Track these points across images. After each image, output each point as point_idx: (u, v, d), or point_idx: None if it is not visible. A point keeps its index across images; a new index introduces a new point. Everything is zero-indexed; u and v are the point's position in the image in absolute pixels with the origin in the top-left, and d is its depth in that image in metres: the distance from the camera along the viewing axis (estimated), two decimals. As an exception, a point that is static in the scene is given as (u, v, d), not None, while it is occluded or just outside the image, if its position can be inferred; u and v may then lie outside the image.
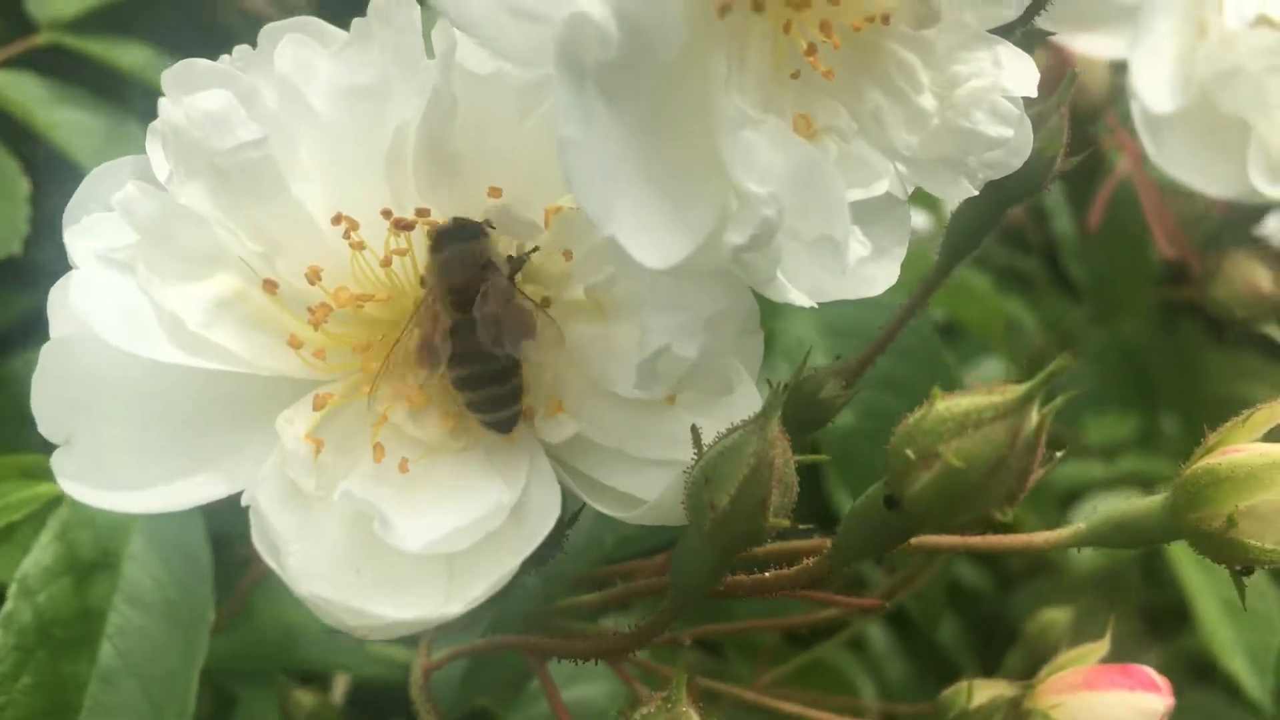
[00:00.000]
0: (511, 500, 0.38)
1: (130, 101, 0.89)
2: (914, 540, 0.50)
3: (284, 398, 0.40)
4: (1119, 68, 0.71)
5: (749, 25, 0.36)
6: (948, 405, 0.35)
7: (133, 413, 0.39)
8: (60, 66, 0.86)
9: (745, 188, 0.35)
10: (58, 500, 0.58)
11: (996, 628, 1.07)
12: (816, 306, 0.72)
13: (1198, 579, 1.02)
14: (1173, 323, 1.12)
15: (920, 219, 1.23)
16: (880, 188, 0.39)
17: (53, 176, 0.82)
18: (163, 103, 0.40)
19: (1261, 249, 0.73)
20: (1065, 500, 1.12)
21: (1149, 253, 0.93)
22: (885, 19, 0.39)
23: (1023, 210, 1.19)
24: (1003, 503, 0.35)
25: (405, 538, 0.36)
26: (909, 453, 0.35)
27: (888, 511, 0.37)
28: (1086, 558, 1.11)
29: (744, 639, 0.83)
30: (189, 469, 0.39)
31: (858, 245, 0.37)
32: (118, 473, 0.39)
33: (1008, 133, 0.39)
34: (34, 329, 0.94)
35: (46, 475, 0.59)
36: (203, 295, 0.39)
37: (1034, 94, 0.40)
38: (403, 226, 0.41)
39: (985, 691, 0.53)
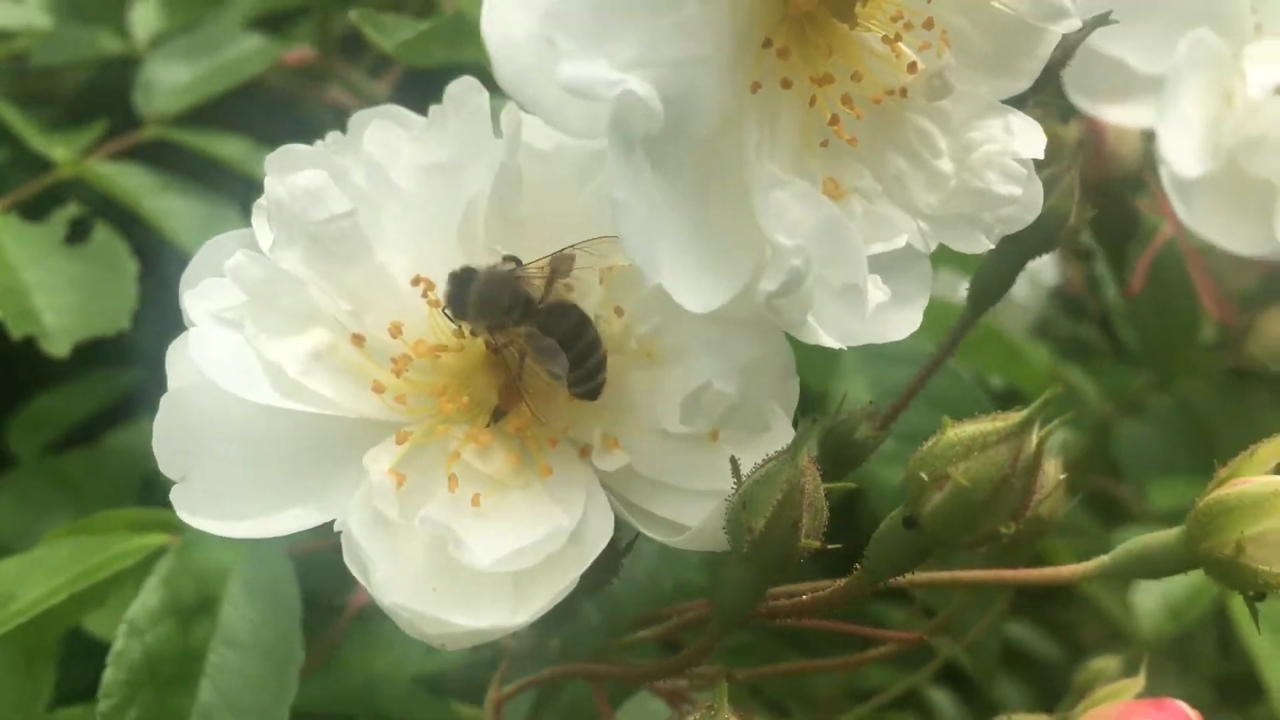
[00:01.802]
0: (571, 525, 0.43)
1: (227, 189, 0.96)
2: (952, 575, 0.54)
3: (371, 438, 0.45)
4: (1152, 135, 0.75)
5: (779, 99, 0.42)
6: (956, 432, 0.40)
7: (240, 452, 0.45)
8: (164, 158, 0.94)
9: (776, 241, 0.39)
10: (162, 550, 0.63)
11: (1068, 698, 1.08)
12: (869, 366, 0.76)
13: (1267, 645, 1.03)
14: (1239, 388, 1.13)
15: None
16: (900, 241, 0.43)
17: (156, 259, 0.89)
18: (268, 180, 0.45)
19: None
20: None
21: (1196, 314, 0.95)
22: (903, 92, 0.44)
23: (1081, 280, 1.22)
24: (1008, 520, 0.39)
25: (477, 556, 0.41)
26: (923, 475, 0.40)
27: (907, 531, 0.41)
28: (1157, 626, 1.12)
29: (806, 694, 0.86)
30: (289, 501, 0.44)
31: (877, 292, 0.41)
32: (227, 504, 0.44)
33: (1017, 191, 0.44)
34: (134, 405, 1.01)
35: (152, 528, 0.65)
36: (300, 347, 0.44)
37: (1041, 156, 0.44)
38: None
39: (1025, 724, 0.56)
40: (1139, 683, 0.58)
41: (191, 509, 0.44)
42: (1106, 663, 0.75)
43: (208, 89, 0.95)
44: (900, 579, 0.51)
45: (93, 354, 0.90)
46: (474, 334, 0.47)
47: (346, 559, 0.42)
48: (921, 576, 0.54)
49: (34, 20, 1.09)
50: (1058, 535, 0.98)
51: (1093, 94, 0.74)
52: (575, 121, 0.38)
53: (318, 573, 0.71)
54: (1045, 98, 0.48)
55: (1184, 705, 0.55)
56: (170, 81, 0.96)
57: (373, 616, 0.86)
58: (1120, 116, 0.74)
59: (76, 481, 0.97)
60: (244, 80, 0.96)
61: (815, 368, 0.81)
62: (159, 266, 0.88)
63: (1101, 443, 1.16)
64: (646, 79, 0.36)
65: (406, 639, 0.89)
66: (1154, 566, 0.50)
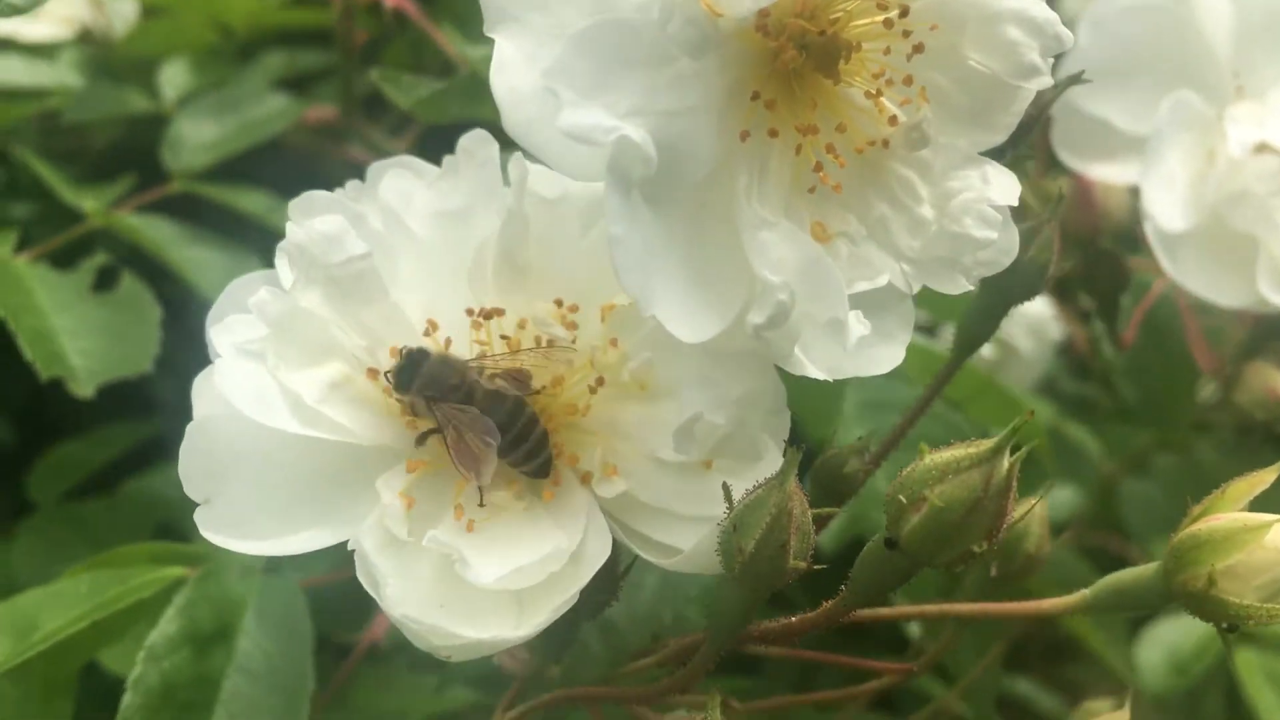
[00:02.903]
0: (571, 547, 0.45)
1: (249, 241, 1.00)
2: (940, 607, 0.56)
3: (383, 464, 0.48)
4: (1138, 191, 0.77)
5: (767, 147, 0.45)
6: (933, 457, 0.42)
7: (260, 477, 0.47)
8: (190, 211, 0.97)
9: (763, 276, 0.42)
10: (180, 582, 0.66)
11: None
12: (870, 415, 0.78)
13: (1269, 700, 1.04)
14: (1246, 447, 1.15)
15: (986, 347, 1.29)
16: (882, 280, 0.46)
17: (181, 312, 0.92)
18: (290, 225, 0.49)
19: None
20: (1135, 623, 1.15)
21: (1193, 369, 0.97)
22: (885, 143, 0.47)
23: (1086, 341, 1.24)
24: (981, 540, 0.42)
25: (480, 574, 0.43)
26: (902, 498, 0.42)
27: (888, 552, 0.43)
28: (1162, 681, 1.13)
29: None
30: (305, 523, 0.47)
31: (858, 325, 0.44)
32: (248, 525, 0.47)
33: (992, 235, 0.46)
34: (152, 454, 1.03)
35: (170, 561, 0.68)
36: (319, 378, 0.47)
37: (1015, 204, 0.47)
38: (485, 316, 0.49)
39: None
40: (1124, 715, 0.60)
41: (214, 529, 0.46)
42: (1101, 704, 0.77)
43: (233, 145, 0.99)
44: (891, 611, 0.53)
45: (113, 404, 0.93)
46: (412, 408, 0.49)
47: (360, 576, 0.45)
48: (912, 609, 0.57)
49: (65, 79, 1.13)
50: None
51: (1080, 152, 0.77)
52: (577, 166, 0.41)
53: (330, 612, 0.74)
54: (1021, 151, 0.51)
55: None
56: (197, 138, 1.00)
57: (384, 658, 0.88)
58: (1106, 174, 0.77)
59: (94, 526, 0.99)
60: (268, 138, 1.00)
61: (818, 417, 0.84)
62: (183, 319, 0.91)
63: (1106, 500, 1.17)
64: (641, 126, 0.40)
65: (416, 680, 0.91)
66: (1133, 600, 0.52)
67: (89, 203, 0.94)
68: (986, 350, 1.32)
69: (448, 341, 0.50)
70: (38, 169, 0.97)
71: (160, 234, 0.93)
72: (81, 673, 0.72)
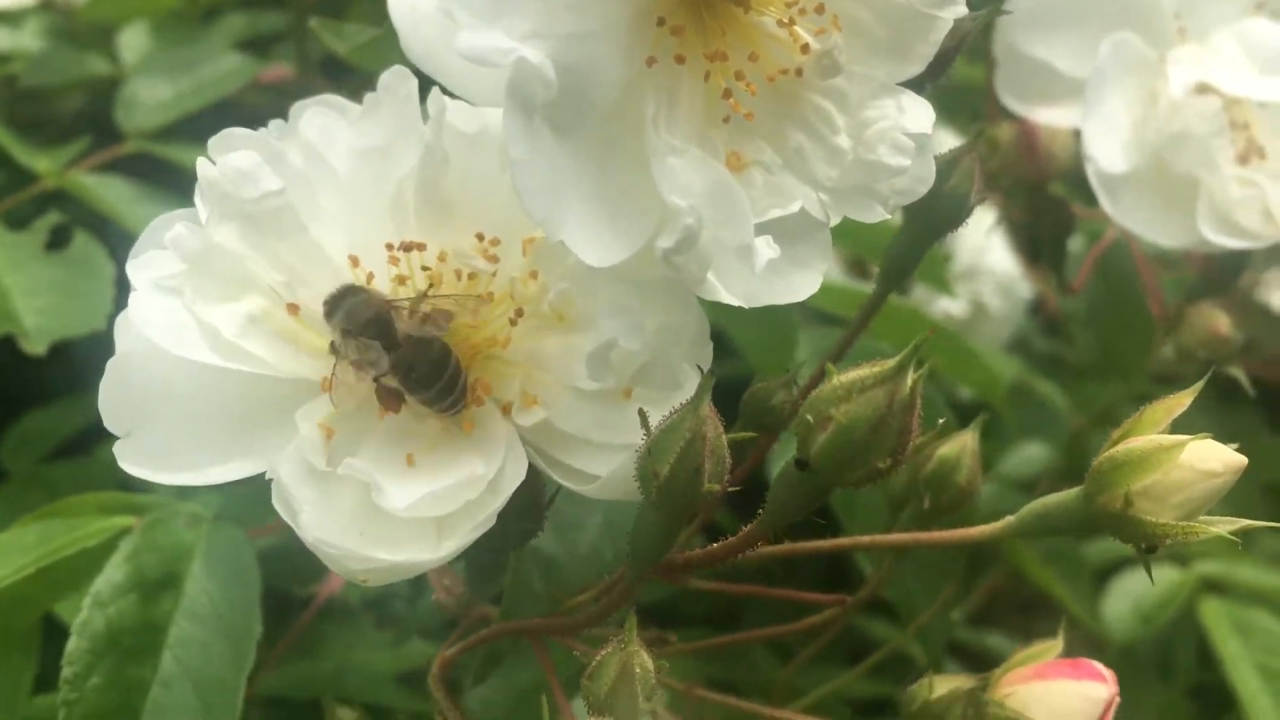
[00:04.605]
0: (489, 474, 0.46)
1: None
2: (872, 538, 0.57)
3: (303, 397, 0.48)
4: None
5: (675, 74, 0.45)
6: (840, 378, 0.43)
7: (179, 411, 0.48)
8: (144, 171, 0.97)
9: (670, 202, 0.43)
10: (127, 529, 0.66)
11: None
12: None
13: (1235, 648, 1.05)
14: (1223, 407, 1.15)
15: (956, 305, 1.30)
16: (795, 206, 0.46)
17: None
18: (201, 161, 0.49)
19: (1226, 298, 0.79)
20: (1101, 575, 1.16)
21: (1148, 316, 0.98)
22: (799, 71, 0.47)
23: (1057, 300, 1.25)
24: (886, 457, 0.42)
25: (395, 500, 0.44)
26: (810, 418, 0.43)
27: (799, 473, 0.44)
28: (1129, 629, 1.14)
29: (759, 682, 0.88)
30: (226, 454, 0.47)
31: (766, 249, 0.44)
32: (167, 457, 0.47)
33: (905, 162, 0.47)
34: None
35: (118, 510, 0.68)
36: (237, 312, 0.48)
37: (929, 131, 0.47)
38: (405, 249, 0.50)
39: (945, 684, 0.59)
40: (1057, 646, 0.61)
41: (134, 461, 0.47)
42: (1049, 646, 0.77)
43: (186, 105, 0.99)
44: (828, 543, 0.54)
45: (83, 372, 0.93)
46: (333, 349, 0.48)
47: (276, 504, 0.45)
48: (846, 540, 0.57)
49: (27, 44, 1.13)
50: (1025, 541, 1.00)
51: (1024, 96, 0.77)
52: (478, 90, 0.41)
53: (286, 565, 0.74)
54: (940, 82, 0.51)
55: (1099, 665, 0.57)
56: (151, 98, 1.00)
57: (344, 614, 0.88)
58: (1050, 117, 0.77)
59: (65, 490, 0.99)
60: (221, 97, 1.00)
61: (772, 366, 0.84)
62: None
63: (1077, 456, 1.18)
64: (541, 50, 0.40)
65: (378, 635, 0.91)
66: (1056, 523, 0.52)
67: (43, 163, 0.94)
68: (956, 309, 1.33)
69: (369, 276, 0.50)
70: (-7, 132, 0.97)
71: (114, 193, 0.93)
72: (47, 635, 0.73)
